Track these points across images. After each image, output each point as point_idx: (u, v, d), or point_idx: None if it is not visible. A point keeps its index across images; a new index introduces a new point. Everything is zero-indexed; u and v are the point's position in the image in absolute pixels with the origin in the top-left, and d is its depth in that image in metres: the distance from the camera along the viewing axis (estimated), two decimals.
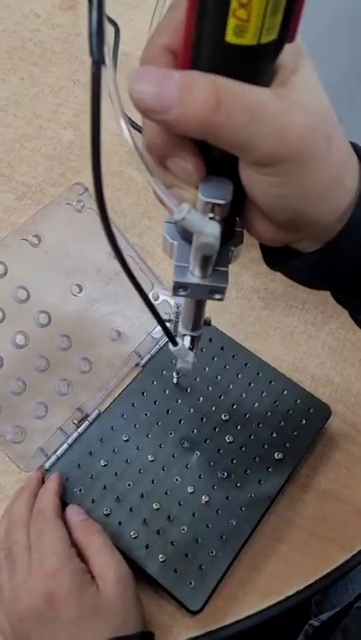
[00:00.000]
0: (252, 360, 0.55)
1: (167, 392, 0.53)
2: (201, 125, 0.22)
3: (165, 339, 0.55)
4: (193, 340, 0.36)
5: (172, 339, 0.35)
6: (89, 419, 0.51)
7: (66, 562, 0.42)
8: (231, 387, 0.53)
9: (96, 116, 0.21)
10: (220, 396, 0.53)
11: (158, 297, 0.57)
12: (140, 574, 0.46)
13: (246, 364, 0.54)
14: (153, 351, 0.55)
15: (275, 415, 0.52)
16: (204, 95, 0.21)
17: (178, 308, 0.36)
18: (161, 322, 0.32)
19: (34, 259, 0.49)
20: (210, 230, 0.24)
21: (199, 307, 0.33)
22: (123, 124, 0.22)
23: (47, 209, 0.50)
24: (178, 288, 0.29)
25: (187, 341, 0.35)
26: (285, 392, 0.53)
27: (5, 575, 0.43)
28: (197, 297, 0.30)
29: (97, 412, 0.52)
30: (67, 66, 0.76)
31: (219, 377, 0.53)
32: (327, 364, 0.59)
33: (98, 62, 0.20)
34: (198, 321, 0.35)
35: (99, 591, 0.42)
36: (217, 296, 0.29)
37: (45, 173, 0.67)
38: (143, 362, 0.55)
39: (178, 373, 0.52)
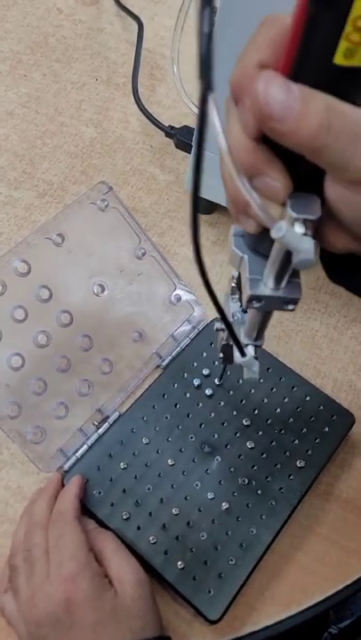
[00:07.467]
0: (275, 365, 0.54)
1: (188, 395, 0.52)
2: (310, 142, 0.22)
3: (187, 339, 0.55)
4: (256, 349, 0.36)
5: (241, 350, 0.35)
6: (109, 420, 0.51)
7: (84, 566, 0.41)
8: (253, 391, 0.52)
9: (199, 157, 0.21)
10: (241, 401, 0.52)
11: (180, 298, 0.56)
12: (157, 580, 0.45)
13: (268, 369, 0.53)
14: (174, 353, 0.54)
15: (297, 421, 0.51)
16: (320, 113, 0.22)
17: (234, 317, 0.36)
18: (236, 340, 0.34)
19: (57, 258, 0.49)
20: (307, 247, 0.24)
21: (266, 317, 0.33)
22: (223, 145, 0.23)
23: (71, 207, 0.49)
24: (252, 300, 0.29)
25: (251, 351, 0.35)
26: (308, 398, 0.52)
27: (23, 578, 0.42)
28: (271, 308, 0.30)
29: (117, 413, 0.51)
30: (89, 62, 0.76)
31: (240, 381, 0.53)
32: (350, 369, 0.58)
33: (206, 88, 0.20)
34: (263, 331, 0.35)
35: (117, 595, 0.41)
36: (290, 307, 0.29)
37: (67, 171, 0.66)
38: (164, 364, 0.54)
39: (221, 379, 0.52)
